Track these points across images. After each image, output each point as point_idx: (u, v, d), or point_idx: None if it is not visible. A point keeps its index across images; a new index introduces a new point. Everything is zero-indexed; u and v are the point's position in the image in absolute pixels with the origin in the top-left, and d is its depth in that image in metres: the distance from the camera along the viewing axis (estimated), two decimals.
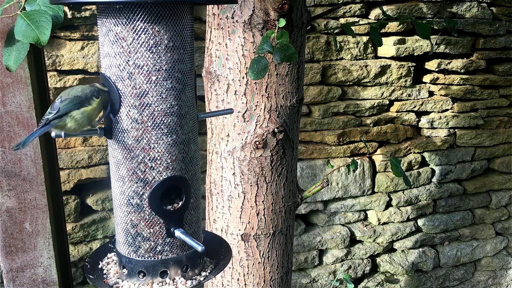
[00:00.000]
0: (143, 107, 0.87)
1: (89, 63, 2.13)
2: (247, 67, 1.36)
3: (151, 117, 0.88)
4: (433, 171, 2.83)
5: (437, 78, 2.69)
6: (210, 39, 1.43)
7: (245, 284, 1.54)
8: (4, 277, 1.41)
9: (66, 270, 1.52)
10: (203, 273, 0.99)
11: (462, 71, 2.72)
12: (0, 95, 1.30)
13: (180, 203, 0.94)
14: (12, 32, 1.09)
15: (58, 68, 2.11)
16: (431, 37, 1.78)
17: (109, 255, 1.05)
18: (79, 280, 2.32)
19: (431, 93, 2.75)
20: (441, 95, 2.74)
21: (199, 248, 0.90)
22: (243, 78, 1.38)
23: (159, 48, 0.85)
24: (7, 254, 1.39)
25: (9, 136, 1.33)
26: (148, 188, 0.90)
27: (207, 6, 1.43)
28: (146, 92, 0.86)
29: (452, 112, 2.78)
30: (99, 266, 1.01)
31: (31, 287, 1.43)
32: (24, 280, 1.41)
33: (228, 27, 1.36)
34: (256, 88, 1.38)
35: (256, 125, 1.41)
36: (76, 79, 2.13)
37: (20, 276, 1.41)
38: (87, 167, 2.22)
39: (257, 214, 1.49)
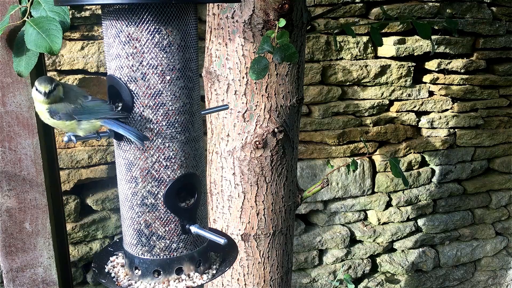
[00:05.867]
0: (157, 107, 0.87)
1: (89, 63, 2.13)
2: (247, 67, 1.36)
3: (165, 116, 0.88)
4: (433, 171, 2.83)
5: (437, 78, 2.69)
6: (210, 39, 1.43)
7: (245, 284, 1.54)
8: (4, 277, 1.41)
9: (66, 270, 1.52)
10: (214, 267, 1.01)
11: (462, 71, 2.72)
12: (0, 95, 1.29)
13: (193, 200, 0.95)
14: (21, 40, 1.09)
15: (58, 68, 2.11)
16: (431, 37, 1.78)
17: (111, 258, 1.04)
18: (79, 280, 2.32)
19: (431, 93, 2.75)
20: (441, 95, 2.74)
21: (222, 241, 0.91)
22: (243, 78, 1.38)
23: (173, 47, 0.86)
24: (7, 254, 1.38)
25: (9, 136, 1.32)
26: (163, 187, 0.91)
27: (207, 6, 1.43)
28: (160, 92, 0.87)
29: (452, 112, 2.78)
30: (106, 270, 1.01)
31: (31, 287, 1.43)
32: (24, 280, 1.41)
33: (228, 27, 1.36)
34: (256, 88, 1.38)
35: (256, 125, 1.41)
36: (76, 79, 2.13)
37: (20, 276, 1.41)
38: (87, 167, 2.22)
39: (257, 214, 1.49)
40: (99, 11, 2.06)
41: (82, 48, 2.12)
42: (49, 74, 2.09)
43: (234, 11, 1.33)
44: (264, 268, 1.53)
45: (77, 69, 2.14)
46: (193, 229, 0.93)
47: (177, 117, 0.89)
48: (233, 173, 1.46)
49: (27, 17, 1.06)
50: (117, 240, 1.08)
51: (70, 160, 2.17)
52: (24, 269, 1.41)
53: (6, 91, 1.30)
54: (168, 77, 0.86)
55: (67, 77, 2.12)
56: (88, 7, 2.05)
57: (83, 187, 2.27)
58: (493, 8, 2.69)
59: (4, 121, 1.32)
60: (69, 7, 1.98)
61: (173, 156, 0.90)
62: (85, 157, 2.19)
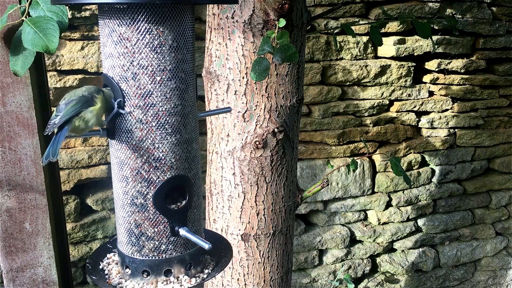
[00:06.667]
0: (147, 107, 0.87)
1: (89, 63, 2.13)
2: (247, 67, 1.36)
3: (155, 117, 0.88)
4: (433, 171, 2.83)
5: (437, 78, 2.69)
6: (210, 39, 1.43)
7: (245, 284, 1.54)
8: (4, 277, 1.41)
9: (66, 270, 1.52)
10: (206, 271, 1.00)
11: (462, 71, 2.72)
12: (0, 95, 1.30)
13: (184, 202, 0.94)
14: (18, 39, 1.09)
15: (58, 68, 2.11)
16: (431, 36, 1.78)
17: (108, 255, 1.05)
18: (79, 280, 2.32)
19: (431, 93, 2.75)
20: (441, 95, 2.74)
21: (206, 246, 0.90)
22: (243, 78, 1.38)
23: (164, 48, 0.85)
24: (7, 254, 1.38)
25: (9, 136, 1.33)
26: (152, 188, 0.90)
27: (207, 6, 1.43)
28: (150, 93, 0.86)
29: (452, 112, 2.78)
30: (100, 267, 1.01)
31: (31, 287, 1.43)
32: (24, 280, 1.41)
33: (228, 27, 1.36)
34: (256, 88, 1.38)
35: (256, 125, 1.41)
36: (76, 79, 2.13)
37: (20, 276, 1.41)
38: (87, 167, 2.22)
39: (257, 214, 1.49)
40: None
41: (82, 48, 2.12)
42: (49, 74, 2.09)
43: (234, 11, 1.33)
44: (264, 268, 1.53)
45: (77, 69, 2.14)
46: (182, 231, 0.92)
47: (167, 118, 0.88)
48: (233, 173, 1.46)
49: (25, 17, 1.06)
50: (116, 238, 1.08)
51: (70, 160, 2.17)
52: (24, 269, 1.41)
53: (6, 91, 1.30)
54: (158, 78, 0.86)
55: (67, 77, 2.12)
56: (88, 7, 2.05)
57: (83, 187, 2.27)
58: (493, 8, 2.69)
59: (4, 121, 1.32)
60: (67, 7, 1.99)
61: (163, 158, 0.90)
62: (85, 157, 2.19)
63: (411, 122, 2.72)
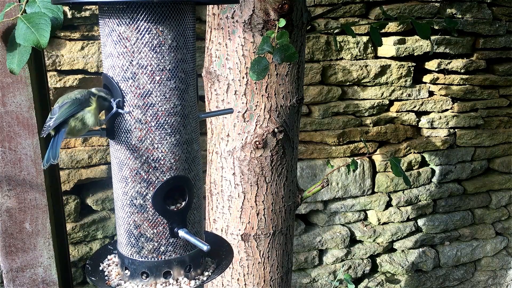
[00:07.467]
0: (146, 107, 0.87)
1: (89, 63, 2.13)
2: (247, 67, 1.36)
3: (154, 117, 0.87)
4: (433, 171, 2.83)
5: (437, 78, 2.69)
6: (210, 39, 1.43)
7: (245, 284, 1.54)
8: (4, 277, 1.41)
9: (66, 270, 1.52)
10: (206, 273, 0.99)
11: (462, 71, 2.72)
12: (0, 95, 1.30)
13: (184, 203, 0.93)
14: (13, 36, 1.09)
15: (58, 68, 2.11)
16: (431, 37, 1.79)
17: (109, 256, 1.04)
18: (79, 280, 2.32)
19: (431, 93, 2.75)
20: (441, 95, 2.74)
21: (204, 247, 0.90)
22: (243, 78, 1.38)
23: (163, 48, 0.85)
24: (7, 254, 1.39)
25: (9, 136, 1.33)
26: (151, 189, 0.90)
27: (207, 6, 1.43)
28: (149, 92, 0.86)
29: (452, 112, 2.78)
30: (100, 268, 1.00)
31: (31, 287, 1.43)
32: (24, 280, 1.41)
33: (228, 27, 1.36)
34: (256, 88, 1.38)
35: (256, 125, 1.41)
36: (76, 79, 2.13)
37: (20, 276, 1.41)
38: (87, 167, 2.22)
39: (257, 214, 1.49)
40: None
41: (82, 48, 2.12)
42: (49, 74, 2.09)
43: (234, 11, 1.33)
44: (264, 268, 1.53)
45: (77, 69, 2.14)
46: (181, 233, 0.92)
47: (166, 118, 0.88)
48: (233, 173, 1.46)
49: (21, 14, 1.07)
50: None
51: (70, 160, 2.17)
52: (24, 269, 1.41)
53: (6, 91, 1.30)
54: (157, 77, 0.85)
55: (67, 77, 2.12)
56: (88, 7, 2.05)
57: (83, 187, 2.27)
58: (493, 8, 2.69)
59: (4, 121, 1.32)
60: (68, 7, 1.99)
61: (162, 158, 0.89)
62: (85, 157, 2.19)
63: (411, 122, 2.72)
